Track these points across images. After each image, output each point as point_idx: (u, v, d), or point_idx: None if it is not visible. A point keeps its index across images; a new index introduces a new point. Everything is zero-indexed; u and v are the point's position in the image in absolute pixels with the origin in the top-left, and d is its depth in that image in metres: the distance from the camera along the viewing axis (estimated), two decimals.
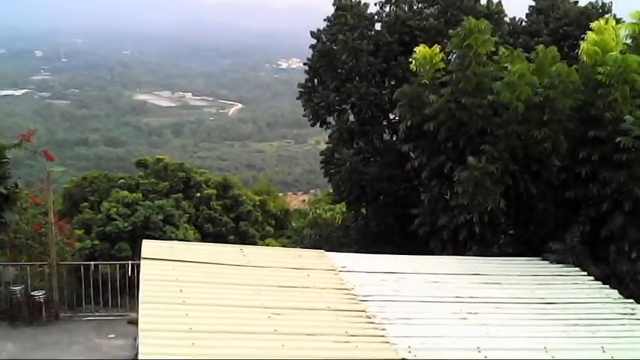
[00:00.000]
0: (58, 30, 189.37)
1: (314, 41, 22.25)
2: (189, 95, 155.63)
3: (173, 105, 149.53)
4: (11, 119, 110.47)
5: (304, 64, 22.13)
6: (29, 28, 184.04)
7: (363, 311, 11.01)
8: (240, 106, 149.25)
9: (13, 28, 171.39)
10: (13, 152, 16.86)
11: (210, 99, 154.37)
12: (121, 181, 35.19)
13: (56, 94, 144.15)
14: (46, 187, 17.37)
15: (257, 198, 39.90)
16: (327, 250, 14.41)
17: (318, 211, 37.82)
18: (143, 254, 12.17)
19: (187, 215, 35.05)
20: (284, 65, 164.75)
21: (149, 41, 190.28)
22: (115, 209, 25.92)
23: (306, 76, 22.01)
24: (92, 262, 18.29)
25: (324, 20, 22.11)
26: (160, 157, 39.06)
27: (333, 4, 21.87)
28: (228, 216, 37.18)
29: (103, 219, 25.97)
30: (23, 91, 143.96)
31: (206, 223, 36.33)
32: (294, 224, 39.70)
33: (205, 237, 35.91)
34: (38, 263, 17.45)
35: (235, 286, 11.63)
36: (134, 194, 27.94)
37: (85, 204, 33.58)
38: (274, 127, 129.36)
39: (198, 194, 37.17)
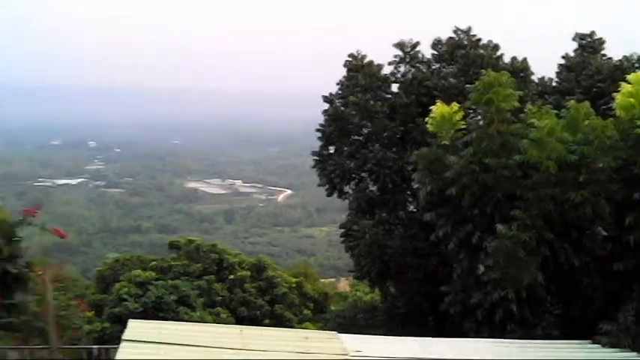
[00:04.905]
0: (110, 122, 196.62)
1: None
2: (239, 182, 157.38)
3: (223, 192, 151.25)
4: (67, 207, 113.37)
5: (317, 130, 20.87)
6: (81, 120, 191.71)
7: None
8: (289, 192, 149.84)
9: (66, 120, 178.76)
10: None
11: (260, 186, 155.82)
12: (153, 263, 34.35)
13: (110, 182, 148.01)
14: (44, 269, 16.51)
15: (293, 280, 38.32)
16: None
17: (358, 293, 36.15)
18: (125, 335, 10.93)
19: (220, 298, 33.82)
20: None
21: (192, 132, 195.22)
22: (126, 289, 24.75)
23: (320, 143, 20.80)
24: (95, 347, 17.02)
25: (337, 84, 20.88)
26: (192, 238, 38.18)
27: (344, 66, 20.57)
28: (263, 299, 35.66)
29: (114, 300, 24.81)
30: (78, 180, 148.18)
31: (240, 306, 34.88)
32: (332, 307, 37.88)
33: (240, 321, 34.42)
34: (37, 347, 16.41)
35: None
36: (147, 273, 26.73)
37: (117, 286, 32.71)
38: (323, 213, 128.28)
39: (232, 276, 35.93)
